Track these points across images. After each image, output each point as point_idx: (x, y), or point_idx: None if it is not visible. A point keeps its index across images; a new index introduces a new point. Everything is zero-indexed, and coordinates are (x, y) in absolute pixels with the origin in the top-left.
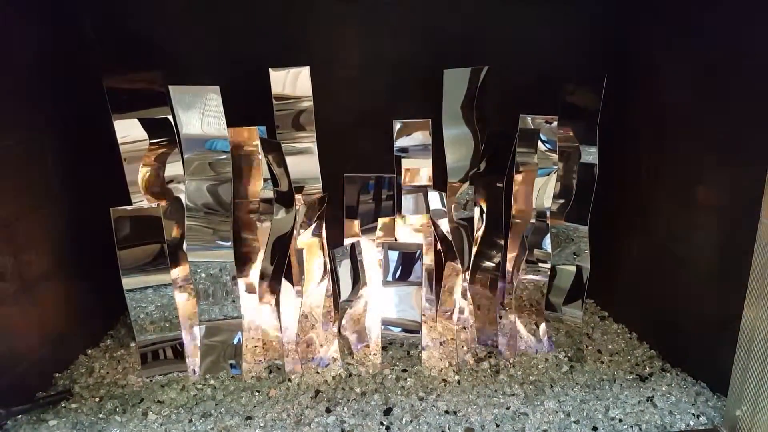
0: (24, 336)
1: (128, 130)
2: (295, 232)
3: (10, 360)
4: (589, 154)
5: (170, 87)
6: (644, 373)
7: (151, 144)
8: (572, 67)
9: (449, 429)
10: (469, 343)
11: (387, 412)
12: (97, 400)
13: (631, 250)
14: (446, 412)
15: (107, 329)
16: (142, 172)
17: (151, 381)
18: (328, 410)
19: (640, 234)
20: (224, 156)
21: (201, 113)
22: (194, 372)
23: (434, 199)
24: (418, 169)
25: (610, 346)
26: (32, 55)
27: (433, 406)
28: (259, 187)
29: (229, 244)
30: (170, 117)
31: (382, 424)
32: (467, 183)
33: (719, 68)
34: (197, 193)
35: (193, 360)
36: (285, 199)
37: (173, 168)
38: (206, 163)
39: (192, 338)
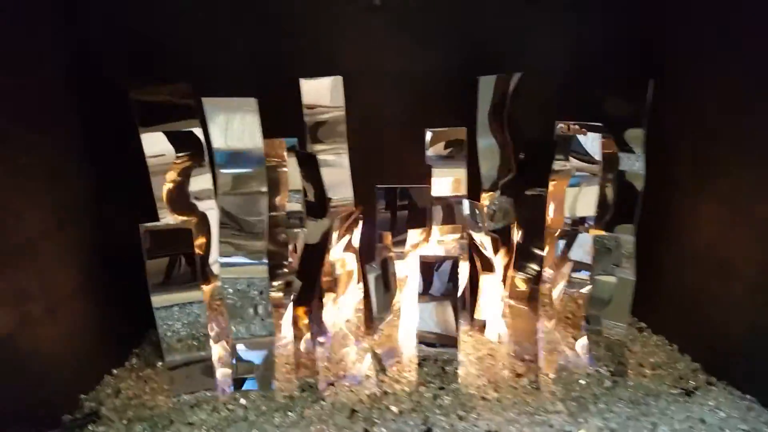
0: (49, 357)
1: (155, 144)
2: (328, 245)
3: (36, 382)
4: (634, 162)
5: (203, 99)
6: (689, 387)
7: (177, 158)
8: (610, 71)
9: None
10: (507, 358)
11: None
12: (125, 422)
13: (670, 258)
14: (488, 431)
15: (132, 348)
16: (168, 187)
17: (180, 401)
18: (366, 431)
19: (679, 241)
20: (258, 169)
21: (235, 126)
22: (224, 391)
23: (467, 209)
24: (451, 179)
25: (651, 360)
26: (56, 70)
27: (474, 425)
28: (288, 200)
29: (261, 260)
30: (197, 130)
31: None
32: (498, 193)
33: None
34: (230, 208)
35: (224, 378)
36: (317, 212)
37: (199, 182)
38: (239, 177)
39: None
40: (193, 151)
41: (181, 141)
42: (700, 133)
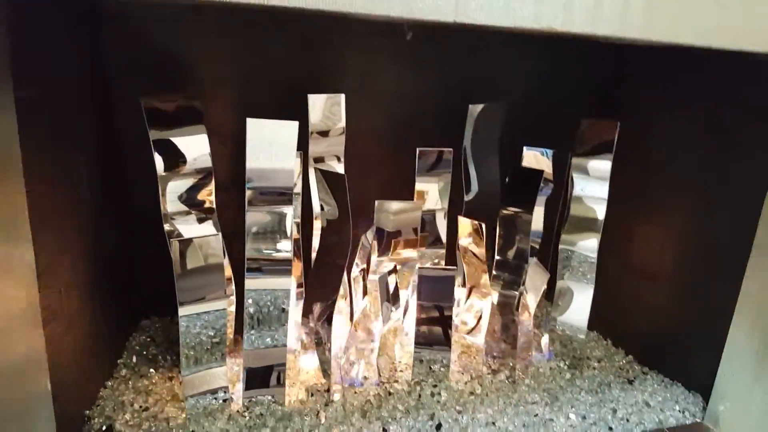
0: (55, 374)
1: (163, 151)
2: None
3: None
4: (600, 189)
5: (248, 120)
6: (630, 376)
7: (184, 165)
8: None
9: None
10: (479, 355)
11: (438, 427)
12: None
13: (606, 268)
14: (487, 423)
15: (116, 357)
16: (173, 195)
17: (193, 412)
18: (384, 429)
19: (614, 253)
20: (288, 188)
21: (273, 147)
22: (232, 398)
23: (442, 224)
24: (426, 192)
25: (595, 353)
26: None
27: (473, 418)
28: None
29: (287, 277)
30: (203, 137)
31: None
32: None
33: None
34: (257, 223)
35: (235, 386)
36: (338, 228)
37: (202, 192)
38: (268, 194)
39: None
40: (198, 159)
41: (186, 149)
42: (641, 168)
